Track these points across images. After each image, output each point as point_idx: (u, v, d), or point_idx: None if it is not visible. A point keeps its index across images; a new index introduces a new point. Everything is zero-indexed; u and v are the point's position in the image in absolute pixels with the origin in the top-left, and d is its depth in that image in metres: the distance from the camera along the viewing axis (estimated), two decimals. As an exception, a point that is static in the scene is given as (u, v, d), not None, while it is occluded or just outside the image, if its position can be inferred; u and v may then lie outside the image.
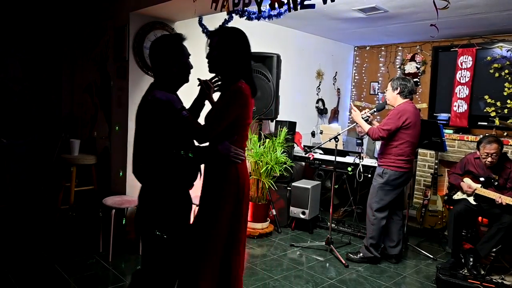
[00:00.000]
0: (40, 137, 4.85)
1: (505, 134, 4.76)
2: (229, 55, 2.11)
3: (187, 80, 2.16)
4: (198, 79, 2.23)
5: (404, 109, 3.57)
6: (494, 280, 3.22)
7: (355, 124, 3.91)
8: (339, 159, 4.28)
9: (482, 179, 3.60)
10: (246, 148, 2.25)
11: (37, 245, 3.74)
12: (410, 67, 5.76)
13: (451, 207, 3.81)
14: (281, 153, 4.32)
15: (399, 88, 3.65)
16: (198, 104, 2.26)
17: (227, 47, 2.11)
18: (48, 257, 3.51)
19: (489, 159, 3.54)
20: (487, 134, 4.56)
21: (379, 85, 6.18)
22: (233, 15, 3.92)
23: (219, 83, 2.25)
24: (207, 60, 2.17)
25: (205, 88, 2.22)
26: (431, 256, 4.00)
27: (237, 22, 4.17)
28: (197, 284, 2.13)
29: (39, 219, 4.43)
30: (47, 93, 4.91)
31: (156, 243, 2.09)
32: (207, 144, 2.16)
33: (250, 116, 2.19)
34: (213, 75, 2.25)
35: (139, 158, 2.10)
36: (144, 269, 2.17)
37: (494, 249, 3.51)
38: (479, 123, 4.97)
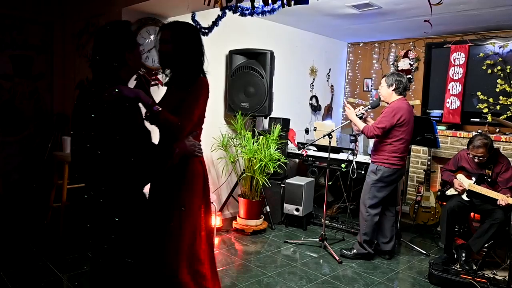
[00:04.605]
0: (31, 134, 4.80)
1: (497, 130, 4.78)
2: (186, 49, 2.10)
3: (136, 73, 2.06)
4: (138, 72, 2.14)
5: (398, 107, 3.57)
6: (486, 275, 3.25)
7: (348, 121, 3.91)
8: (332, 156, 4.28)
9: (473, 178, 3.62)
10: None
11: (30, 243, 3.71)
12: (404, 64, 5.77)
13: (444, 203, 3.83)
14: (275, 150, 4.31)
15: (394, 85, 3.63)
16: None
17: (184, 40, 2.09)
18: (41, 254, 3.48)
19: (476, 160, 3.59)
20: (479, 131, 4.59)
21: (372, 82, 6.19)
22: (226, 11, 3.90)
23: (154, 77, 2.23)
24: (158, 54, 2.14)
25: (145, 82, 2.18)
26: (424, 252, 4.02)
27: (231, 18, 4.16)
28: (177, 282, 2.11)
29: (31, 217, 4.40)
30: (38, 90, 4.85)
31: (110, 256, 1.92)
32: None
33: (205, 111, 2.22)
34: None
35: (90, 159, 1.86)
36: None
37: (486, 245, 3.53)
38: (471, 119, 4.99)
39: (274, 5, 2.98)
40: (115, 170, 1.82)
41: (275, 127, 4.46)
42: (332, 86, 6.26)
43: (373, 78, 6.19)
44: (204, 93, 2.13)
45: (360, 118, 3.75)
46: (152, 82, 2.23)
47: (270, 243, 4.14)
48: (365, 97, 6.30)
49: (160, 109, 1.96)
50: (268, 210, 4.61)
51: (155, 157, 1.92)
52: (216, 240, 4.12)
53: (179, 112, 2.03)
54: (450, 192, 3.80)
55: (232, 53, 4.61)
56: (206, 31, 4.24)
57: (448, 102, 5.15)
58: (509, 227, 3.19)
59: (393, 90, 3.65)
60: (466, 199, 3.62)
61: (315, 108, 5.98)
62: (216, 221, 4.14)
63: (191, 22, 4.12)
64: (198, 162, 2.19)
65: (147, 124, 1.98)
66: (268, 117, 4.80)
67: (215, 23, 4.17)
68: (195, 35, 2.16)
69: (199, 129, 2.22)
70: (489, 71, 4.83)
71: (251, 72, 4.52)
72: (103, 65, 1.88)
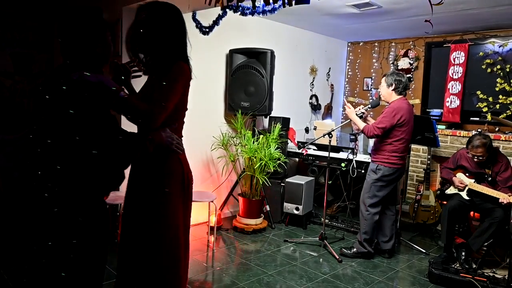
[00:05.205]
0: (32, 132, 4.79)
1: (496, 129, 4.79)
2: (162, 31, 1.87)
3: (107, 62, 1.88)
4: (113, 62, 1.97)
5: (398, 107, 3.57)
6: (485, 274, 3.26)
7: (348, 120, 3.91)
8: (332, 155, 4.29)
9: (471, 178, 3.64)
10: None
11: (30, 242, 3.71)
12: (404, 63, 5.78)
13: (444, 202, 3.85)
14: (275, 149, 4.32)
15: (394, 85, 3.63)
16: None
17: (160, 22, 1.87)
18: (41, 253, 3.48)
19: (476, 159, 3.60)
20: (479, 130, 4.60)
21: (372, 81, 6.20)
22: (227, 10, 3.90)
23: (137, 68, 2.04)
24: (131, 39, 1.92)
25: (123, 73, 1.98)
26: (424, 251, 4.03)
27: (231, 17, 4.17)
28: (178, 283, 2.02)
29: (32, 215, 4.40)
30: (38, 88, 4.85)
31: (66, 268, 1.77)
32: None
33: (187, 102, 2.00)
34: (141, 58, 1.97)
35: (48, 155, 1.71)
36: None
37: (486, 243, 3.55)
38: (471, 118, 5.00)
39: (275, 4, 2.98)
40: (71, 160, 1.67)
41: (275, 126, 4.47)
42: (332, 85, 6.26)
43: (373, 77, 6.19)
44: (182, 80, 1.87)
45: (360, 117, 3.75)
46: (134, 74, 2.07)
47: (270, 242, 4.15)
48: (365, 96, 6.30)
49: (127, 95, 1.76)
50: (268, 209, 4.62)
51: (121, 144, 1.70)
52: (216, 239, 4.13)
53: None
54: (450, 191, 3.81)
55: (233, 52, 4.61)
56: (207, 30, 4.24)
57: (447, 101, 5.16)
58: (509, 226, 3.20)
59: (392, 90, 3.65)
60: (467, 198, 3.63)
61: (315, 107, 5.99)
62: (216, 220, 4.15)
63: (191, 21, 4.12)
64: (177, 160, 1.94)
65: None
66: (268, 116, 4.81)
67: (215, 22, 4.18)
68: (174, 16, 1.92)
69: (179, 122, 1.98)
70: (489, 70, 4.84)
71: (251, 71, 4.52)
72: (69, 50, 1.76)
